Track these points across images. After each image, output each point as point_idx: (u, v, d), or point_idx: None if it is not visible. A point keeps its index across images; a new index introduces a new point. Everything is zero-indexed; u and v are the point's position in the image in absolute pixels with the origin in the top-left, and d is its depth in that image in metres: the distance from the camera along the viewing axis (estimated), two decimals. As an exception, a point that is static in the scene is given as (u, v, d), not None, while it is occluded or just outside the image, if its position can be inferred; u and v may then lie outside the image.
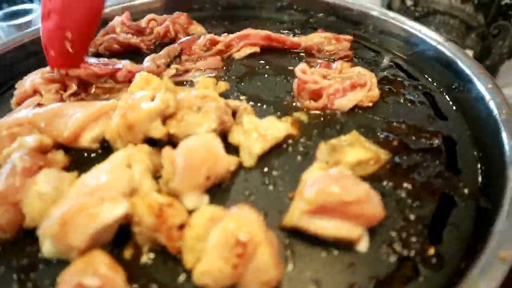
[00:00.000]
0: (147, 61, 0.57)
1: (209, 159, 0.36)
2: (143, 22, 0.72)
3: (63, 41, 0.49)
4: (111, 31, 0.70)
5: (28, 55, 0.67)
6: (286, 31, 0.71)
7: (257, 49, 0.63)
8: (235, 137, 0.42)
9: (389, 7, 1.25)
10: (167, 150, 0.37)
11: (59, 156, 0.43)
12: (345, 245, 0.33)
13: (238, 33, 0.63)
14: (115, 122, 0.41)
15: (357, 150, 0.40)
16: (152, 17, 0.72)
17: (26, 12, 1.22)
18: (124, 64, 0.55)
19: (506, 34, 1.18)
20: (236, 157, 0.40)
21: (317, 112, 0.48)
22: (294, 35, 0.68)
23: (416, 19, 1.22)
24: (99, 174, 0.37)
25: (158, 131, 0.40)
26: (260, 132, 0.41)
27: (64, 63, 0.51)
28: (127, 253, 0.34)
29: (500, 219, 0.32)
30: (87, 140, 0.45)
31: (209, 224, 0.31)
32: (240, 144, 0.41)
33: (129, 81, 0.52)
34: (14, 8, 1.24)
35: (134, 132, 0.40)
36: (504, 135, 0.41)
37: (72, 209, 0.32)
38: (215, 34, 0.66)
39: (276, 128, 0.42)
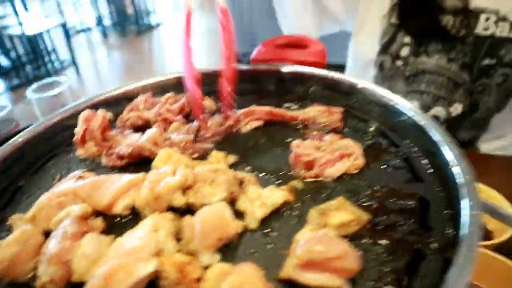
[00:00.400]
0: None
1: (220, 225, 0.46)
2: (162, 99, 0.84)
3: None
4: (135, 108, 0.82)
5: (64, 129, 0.79)
6: (287, 104, 0.83)
7: (261, 123, 0.74)
8: (241, 205, 0.51)
9: (381, 67, 1.37)
10: (187, 218, 0.46)
11: (98, 222, 0.53)
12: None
13: (245, 109, 0.75)
14: (144, 194, 0.51)
15: (342, 213, 0.48)
16: (170, 95, 0.85)
17: (56, 83, 1.35)
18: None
19: (490, 91, 1.29)
20: (242, 221, 0.49)
21: (310, 180, 0.57)
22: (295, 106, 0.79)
23: (407, 78, 1.35)
24: (132, 238, 0.46)
25: (179, 201, 0.50)
26: (262, 199, 0.50)
27: None
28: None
29: (451, 271, 0.39)
30: (120, 208, 0.54)
31: (220, 278, 0.39)
32: (246, 210, 0.50)
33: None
34: (45, 81, 1.38)
35: (160, 202, 0.50)
36: (463, 196, 0.49)
37: (113, 267, 0.41)
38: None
39: (275, 195, 0.51)
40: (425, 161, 0.63)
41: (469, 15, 1.19)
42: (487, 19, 1.18)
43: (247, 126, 0.72)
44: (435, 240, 0.48)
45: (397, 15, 1.28)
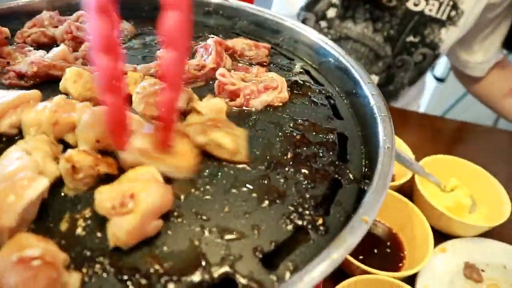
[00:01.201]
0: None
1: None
2: (72, 18, 0.74)
3: None
4: (38, 24, 0.71)
5: None
6: (211, 35, 0.78)
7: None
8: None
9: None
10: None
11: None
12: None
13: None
14: (46, 112, 0.44)
15: (226, 138, 0.46)
16: (82, 13, 0.74)
17: None
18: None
19: (408, 67, 1.34)
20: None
21: (234, 109, 0.55)
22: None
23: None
24: (9, 161, 0.39)
25: (71, 138, 0.45)
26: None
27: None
28: (63, 226, 0.38)
29: (368, 194, 0.41)
30: (6, 125, 0.47)
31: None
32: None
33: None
34: None
35: (56, 129, 0.44)
36: (380, 130, 0.51)
37: None
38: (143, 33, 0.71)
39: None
40: (345, 101, 0.65)
41: None
42: None
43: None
44: (352, 172, 0.50)
45: None
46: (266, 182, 0.45)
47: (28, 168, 0.37)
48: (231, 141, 0.45)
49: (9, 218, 0.33)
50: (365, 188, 0.47)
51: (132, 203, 0.35)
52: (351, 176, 0.49)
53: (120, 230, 0.34)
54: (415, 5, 1.19)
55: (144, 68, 0.58)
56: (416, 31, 1.23)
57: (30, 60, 0.56)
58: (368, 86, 0.60)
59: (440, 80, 2.54)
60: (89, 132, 0.42)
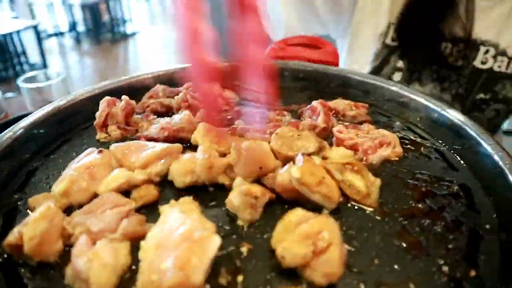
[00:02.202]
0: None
1: (264, 156, 0.51)
2: (181, 88, 0.82)
3: None
4: (155, 96, 0.80)
5: (76, 113, 0.76)
6: (305, 99, 0.83)
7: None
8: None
9: None
10: (235, 144, 0.51)
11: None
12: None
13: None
14: (200, 159, 0.51)
15: (360, 180, 0.50)
16: (190, 84, 0.83)
17: (41, 76, 1.30)
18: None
19: (480, 124, 1.28)
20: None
21: (354, 163, 0.57)
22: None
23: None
24: (177, 223, 0.42)
25: (223, 179, 0.52)
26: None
27: None
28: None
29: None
30: (153, 173, 0.53)
31: (298, 221, 0.41)
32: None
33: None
34: (34, 72, 1.32)
35: (211, 173, 0.51)
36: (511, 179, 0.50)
37: (182, 255, 0.37)
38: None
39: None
40: (453, 153, 0.64)
41: (469, 46, 1.14)
42: (486, 51, 1.14)
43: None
44: (487, 223, 0.48)
45: (393, 37, 1.21)
46: (405, 233, 0.45)
47: (198, 227, 0.40)
48: (364, 185, 0.47)
49: (198, 276, 0.36)
50: (506, 239, 0.46)
51: (322, 240, 0.38)
52: (487, 227, 0.48)
53: (333, 266, 0.38)
54: (483, 63, 1.15)
55: (272, 126, 0.64)
56: (486, 88, 1.18)
57: (160, 127, 0.63)
58: (484, 137, 0.60)
59: (509, 133, 2.42)
60: (252, 163, 0.49)
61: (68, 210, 0.50)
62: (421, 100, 0.73)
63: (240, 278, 0.40)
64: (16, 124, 0.66)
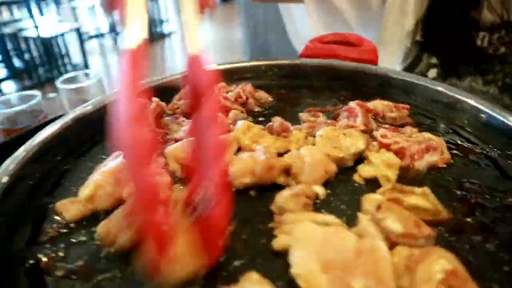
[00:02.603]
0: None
1: (325, 160, 0.51)
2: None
3: None
4: (185, 97, 0.78)
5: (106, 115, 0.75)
6: (342, 98, 0.78)
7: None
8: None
9: None
10: (295, 155, 0.51)
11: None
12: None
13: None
14: (260, 160, 0.49)
15: (420, 199, 0.45)
16: (222, 84, 0.81)
17: (79, 78, 1.32)
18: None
19: None
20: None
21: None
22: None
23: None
24: None
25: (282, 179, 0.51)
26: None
27: None
28: None
29: None
30: None
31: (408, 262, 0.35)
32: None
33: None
34: (70, 74, 1.35)
35: (270, 174, 0.50)
36: None
37: None
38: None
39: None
40: (508, 160, 0.58)
41: (509, 30, 1.05)
42: None
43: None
44: (549, 240, 0.43)
45: (421, 32, 1.15)
46: (452, 251, 0.41)
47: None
48: (424, 202, 0.44)
49: None
50: None
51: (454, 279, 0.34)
52: (550, 245, 0.42)
53: None
54: None
55: (304, 127, 0.61)
56: None
57: (186, 128, 0.62)
58: (541, 143, 0.54)
59: None
60: (317, 169, 0.49)
61: (94, 215, 0.49)
62: (469, 100, 0.67)
63: None
64: (48, 127, 0.66)
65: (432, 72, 1.18)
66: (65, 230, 0.48)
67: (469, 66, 1.13)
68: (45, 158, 0.63)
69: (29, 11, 4.90)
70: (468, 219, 0.45)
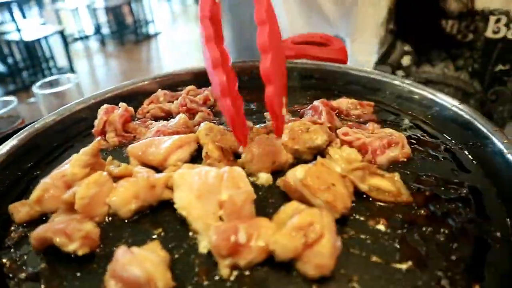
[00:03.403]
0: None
1: (274, 151, 0.53)
2: (183, 92, 0.81)
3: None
4: (155, 101, 0.79)
5: (79, 121, 0.76)
6: (310, 98, 0.80)
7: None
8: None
9: None
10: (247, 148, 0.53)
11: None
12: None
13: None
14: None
15: (384, 181, 0.48)
16: (191, 87, 0.82)
17: (59, 82, 1.32)
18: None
19: (505, 99, 1.19)
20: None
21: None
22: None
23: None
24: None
25: None
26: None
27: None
28: None
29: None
30: (173, 160, 0.55)
31: (292, 213, 0.41)
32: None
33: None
34: (49, 78, 1.35)
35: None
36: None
37: None
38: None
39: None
40: (466, 152, 0.60)
41: (476, 18, 1.09)
42: (497, 20, 1.08)
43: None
44: (497, 230, 0.45)
45: (394, 21, 1.17)
46: (403, 243, 0.42)
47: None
48: (390, 184, 0.46)
49: None
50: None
51: (313, 232, 0.38)
52: (497, 234, 0.44)
53: (324, 258, 0.37)
54: (495, 32, 1.09)
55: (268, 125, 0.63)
56: (504, 58, 1.11)
57: (155, 130, 0.62)
58: (496, 135, 0.55)
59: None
60: (264, 159, 0.53)
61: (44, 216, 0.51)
62: (430, 96, 0.69)
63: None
64: (18, 134, 0.67)
65: (406, 59, 1.21)
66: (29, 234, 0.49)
67: (441, 51, 1.16)
68: (16, 165, 0.64)
69: (11, 14, 4.83)
70: (422, 211, 0.47)
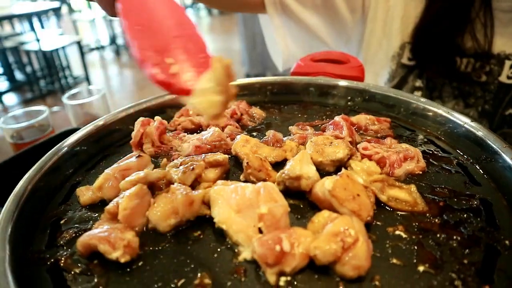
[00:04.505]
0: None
1: None
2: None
3: None
4: (185, 114, 0.85)
5: (112, 132, 0.82)
6: (329, 113, 0.85)
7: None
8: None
9: None
10: None
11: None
12: None
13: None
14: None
15: (402, 192, 0.53)
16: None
17: (85, 92, 1.41)
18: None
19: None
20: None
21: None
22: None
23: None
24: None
25: None
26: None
27: None
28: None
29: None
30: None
31: (325, 221, 0.45)
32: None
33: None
34: (77, 89, 1.42)
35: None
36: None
37: None
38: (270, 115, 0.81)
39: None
40: (477, 167, 0.64)
41: (492, 62, 1.09)
42: None
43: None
44: (506, 238, 0.49)
45: (409, 56, 1.18)
46: (420, 247, 0.47)
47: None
48: (407, 195, 0.51)
49: None
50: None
51: (349, 236, 0.42)
52: (507, 242, 0.48)
53: (361, 259, 0.41)
54: (509, 78, 1.08)
55: (295, 138, 0.69)
56: None
57: (193, 147, 0.67)
58: (505, 151, 0.60)
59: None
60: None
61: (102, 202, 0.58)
62: (444, 113, 0.74)
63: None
64: (61, 143, 0.72)
65: (417, 95, 1.20)
66: (80, 234, 0.54)
67: (453, 89, 1.16)
68: (59, 171, 0.69)
69: (31, 24, 4.99)
70: (436, 220, 0.51)
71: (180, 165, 0.58)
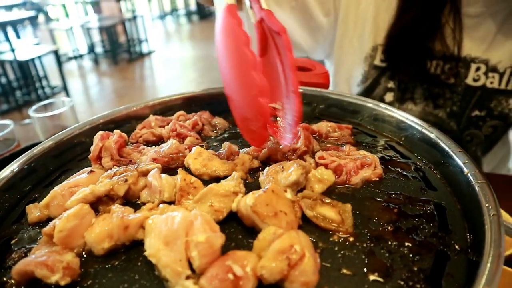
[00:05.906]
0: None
1: None
2: (174, 117, 0.86)
3: None
4: (147, 126, 0.84)
5: (74, 145, 0.80)
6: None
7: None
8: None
9: None
10: None
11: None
12: (363, 292, 0.42)
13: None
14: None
15: (332, 211, 0.52)
16: (181, 113, 0.87)
17: (53, 105, 1.39)
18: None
19: (478, 141, 1.24)
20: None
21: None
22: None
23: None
24: None
25: None
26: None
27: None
28: None
29: (483, 264, 0.41)
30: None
31: (271, 238, 0.44)
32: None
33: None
34: (44, 102, 1.40)
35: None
36: (481, 199, 0.51)
37: None
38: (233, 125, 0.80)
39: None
40: (435, 171, 0.65)
41: (459, 65, 1.13)
42: (478, 69, 1.12)
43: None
44: (457, 242, 0.49)
45: (382, 58, 1.21)
46: (371, 256, 0.47)
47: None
48: (336, 213, 0.50)
49: None
50: (475, 259, 0.46)
51: (294, 253, 0.41)
52: (457, 247, 0.49)
53: (308, 275, 0.41)
54: (475, 80, 1.13)
55: (250, 151, 0.68)
56: (481, 105, 1.15)
57: (151, 157, 0.67)
58: (458, 155, 0.61)
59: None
60: None
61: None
62: (403, 118, 0.75)
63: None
64: (17, 159, 0.70)
65: (389, 96, 1.25)
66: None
67: (424, 91, 1.20)
68: (15, 188, 0.68)
69: (5, 34, 4.90)
70: (389, 227, 0.52)
71: (114, 175, 0.57)
